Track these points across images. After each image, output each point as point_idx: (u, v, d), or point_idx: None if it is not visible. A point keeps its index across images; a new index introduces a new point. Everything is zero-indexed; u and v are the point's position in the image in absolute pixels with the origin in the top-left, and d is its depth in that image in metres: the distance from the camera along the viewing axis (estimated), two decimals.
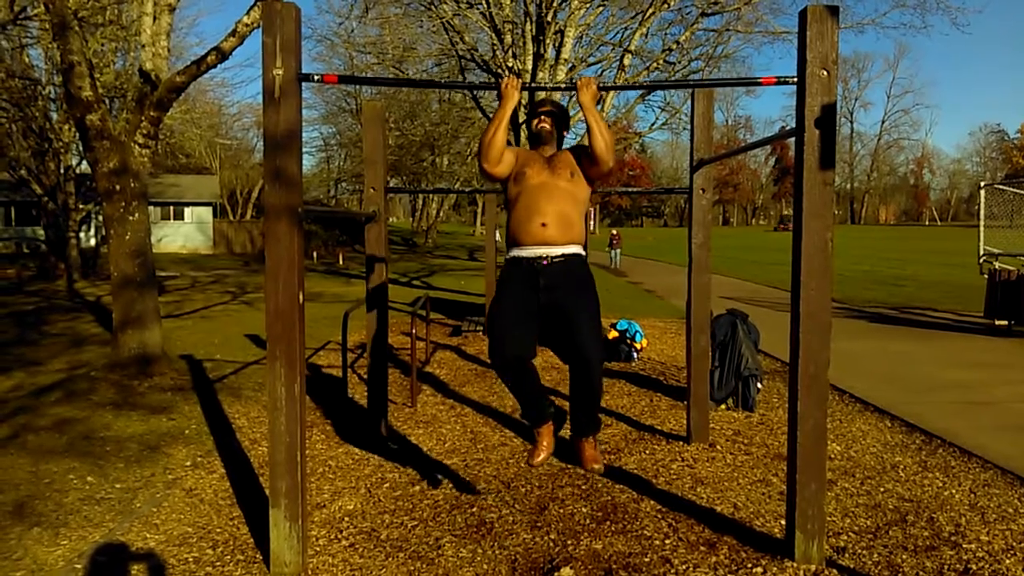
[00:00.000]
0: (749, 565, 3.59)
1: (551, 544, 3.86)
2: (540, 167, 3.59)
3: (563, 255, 3.46)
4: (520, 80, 3.72)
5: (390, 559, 3.71)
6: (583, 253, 3.56)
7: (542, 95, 11.49)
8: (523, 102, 11.40)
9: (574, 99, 12.99)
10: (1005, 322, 10.85)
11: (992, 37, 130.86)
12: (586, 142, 3.63)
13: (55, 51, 12.59)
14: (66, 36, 7.45)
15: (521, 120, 11.79)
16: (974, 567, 3.56)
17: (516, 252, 3.53)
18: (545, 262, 3.44)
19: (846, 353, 8.86)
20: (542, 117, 3.81)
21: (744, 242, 47.85)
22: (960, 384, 7.57)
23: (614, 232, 28.97)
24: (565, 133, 3.92)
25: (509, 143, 3.76)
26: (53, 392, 7.38)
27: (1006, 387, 7.40)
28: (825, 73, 3.49)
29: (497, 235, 12.29)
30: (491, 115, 3.72)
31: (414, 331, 6.92)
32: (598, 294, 3.58)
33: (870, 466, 5.07)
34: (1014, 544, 3.82)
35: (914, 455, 5.31)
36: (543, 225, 3.43)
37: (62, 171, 20.74)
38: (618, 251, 27.78)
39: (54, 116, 20.30)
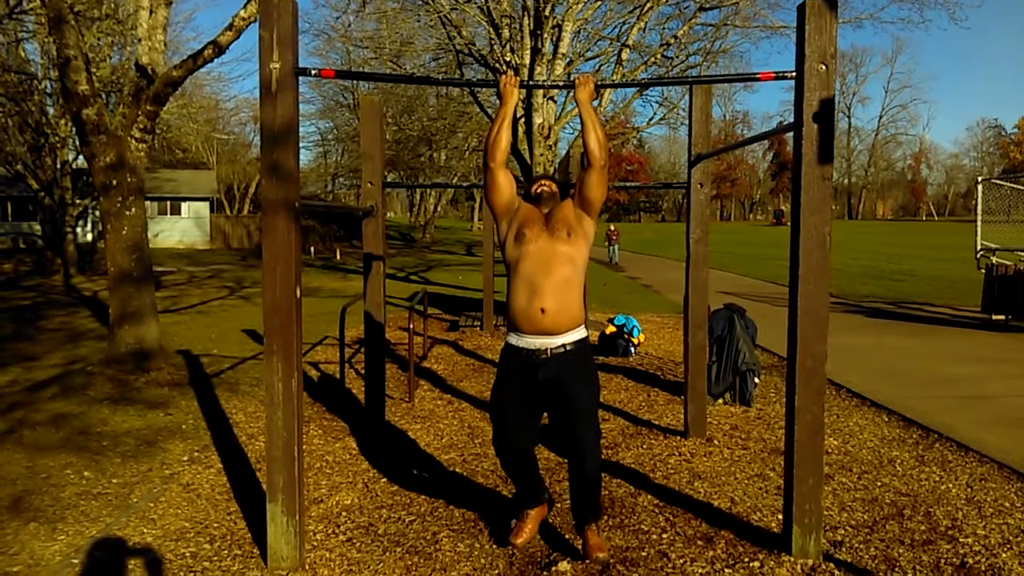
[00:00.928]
0: (746, 559, 3.60)
1: (549, 539, 3.86)
2: (539, 228, 3.49)
3: (563, 345, 3.41)
4: (518, 78, 3.69)
5: (387, 554, 3.71)
6: (583, 335, 3.50)
7: (540, 92, 11.48)
8: (521, 98, 11.39)
9: (570, 96, 12.98)
10: (1002, 317, 10.87)
11: (990, 32, 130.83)
12: (579, 143, 3.60)
13: (51, 45, 12.56)
14: (62, 30, 7.42)
15: (519, 115, 11.78)
16: (971, 561, 3.57)
17: (515, 340, 3.48)
18: (545, 355, 3.41)
19: (843, 348, 8.87)
20: (544, 183, 3.71)
21: (742, 237, 47.87)
22: (957, 379, 7.58)
23: (612, 228, 28.83)
24: (571, 193, 3.80)
25: (517, 182, 3.69)
26: (50, 387, 7.37)
27: (1003, 382, 7.41)
28: (823, 68, 3.48)
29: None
30: (489, 110, 3.70)
31: (412, 326, 6.92)
32: (598, 379, 3.60)
33: (867, 460, 5.08)
34: (1011, 538, 3.82)
35: (911, 449, 5.32)
36: (542, 311, 3.36)
37: (58, 166, 20.71)
38: (616, 247, 27.66)
39: (50, 111, 20.27)
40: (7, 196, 33.12)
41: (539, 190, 3.67)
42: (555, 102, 12.13)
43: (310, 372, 8.15)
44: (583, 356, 3.49)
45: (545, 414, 3.62)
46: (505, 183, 3.59)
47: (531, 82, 4.09)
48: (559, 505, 4.28)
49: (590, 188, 3.50)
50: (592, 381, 3.53)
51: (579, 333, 3.47)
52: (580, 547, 3.53)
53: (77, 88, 7.56)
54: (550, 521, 4.05)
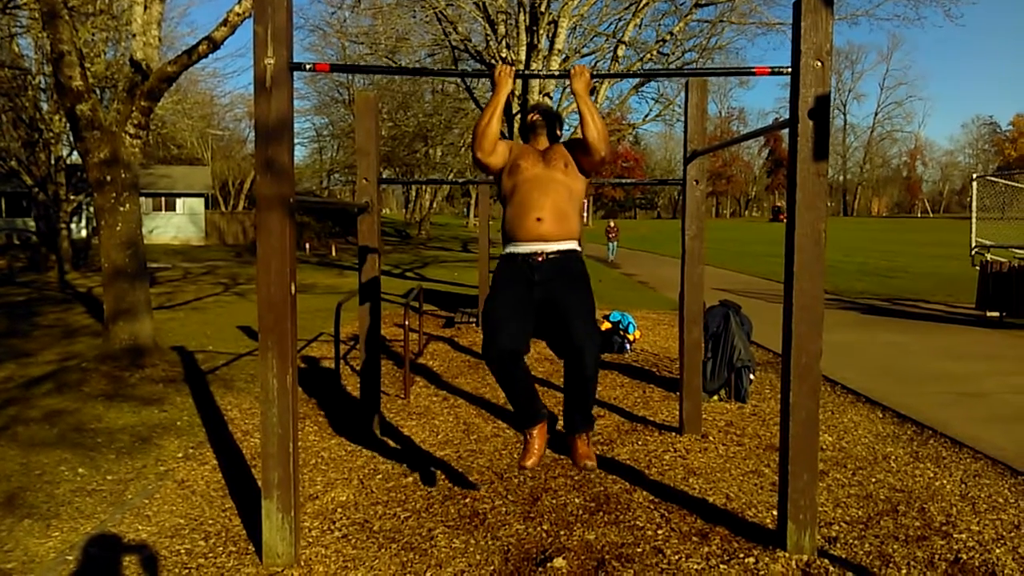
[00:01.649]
0: (741, 555, 3.60)
1: (544, 535, 3.86)
2: (535, 159, 3.57)
3: (558, 251, 3.44)
4: (513, 68, 3.70)
5: (383, 550, 3.71)
6: (578, 248, 3.54)
7: (536, 82, 11.47)
8: (516, 92, 11.39)
9: (568, 89, 12.97)
10: (996, 314, 10.90)
11: (986, 29, 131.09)
12: (579, 133, 3.62)
13: (45, 40, 12.49)
14: (56, 25, 7.39)
15: (515, 111, 11.77)
16: (964, 557, 3.58)
17: (511, 248, 3.51)
18: (540, 258, 3.42)
19: (838, 344, 8.89)
20: (535, 113, 3.81)
21: (737, 234, 47.92)
22: (951, 375, 7.61)
23: (611, 224, 28.49)
24: (559, 131, 3.88)
25: (503, 135, 3.73)
26: (44, 383, 7.35)
27: (997, 378, 7.43)
28: (819, 64, 3.48)
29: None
30: (484, 105, 3.70)
31: (407, 322, 6.91)
32: (592, 290, 3.56)
33: (862, 457, 5.09)
34: (1004, 534, 3.84)
35: (905, 446, 5.33)
36: (538, 220, 3.40)
37: (53, 162, 20.64)
38: (615, 244, 27.40)
39: (44, 106, 20.18)
40: (1, 192, 33.02)
41: (532, 118, 3.76)
42: (551, 98, 12.12)
43: (305, 369, 8.13)
44: (578, 263, 3.50)
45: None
46: (499, 159, 3.62)
47: (527, 72, 4.06)
48: (553, 501, 4.29)
49: (583, 162, 3.60)
50: (587, 285, 3.49)
51: (575, 245, 3.49)
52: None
53: (71, 83, 7.53)
54: (545, 516, 4.05)
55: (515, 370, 3.48)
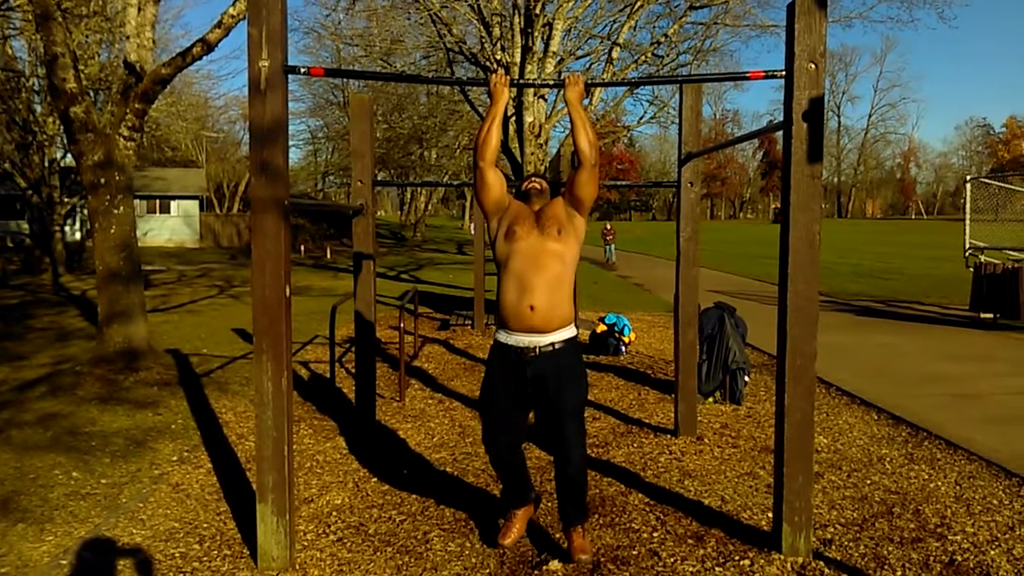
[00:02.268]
0: (737, 557, 3.60)
1: (539, 538, 3.86)
2: (529, 226, 3.48)
3: (551, 344, 3.41)
4: (508, 77, 3.69)
5: (378, 553, 3.71)
6: (572, 334, 3.51)
7: (531, 91, 11.47)
8: (511, 97, 11.38)
9: (561, 95, 12.97)
10: (991, 315, 10.93)
11: (979, 32, 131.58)
12: (571, 142, 3.60)
13: (38, 42, 12.45)
14: (49, 27, 7.37)
15: (510, 113, 11.77)
16: (959, 558, 3.58)
17: (504, 338, 3.47)
18: (533, 353, 3.41)
19: (833, 346, 8.90)
20: (535, 180, 3.72)
21: (732, 236, 47.99)
22: (946, 377, 7.62)
23: (608, 227, 28.23)
24: (561, 191, 3.80)
25: (502, 143, 3.69)
26: (38, 387, 7.33)
27: (992, 380, 7.45)
28: (813, 66, 3.49)
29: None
30: (480, 108, 3.70)
31: (402, 325, 6.90)
32: (587, 378, 3.59)
33: (857, 459, 5.10)
34: (999, 535, 3.85)
35: (900, 448, 5.34)
36: (531, 309, 3.35)
37: (46, 164, 20.57)
38: (612, 246, 27.07)
39: (38, 108, 20.13)
40: None
41: (529, 187, 3.68)
42: (546, 100, 12.13)
43: (300, 371, 8.12)
44: (571, 355, 3.48)
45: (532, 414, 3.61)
46: (495, 181, 3.58)
47: (521, 80, 4.05)
48: (549, 504, 4.28)
49: (580, 186, 3.50)
50: (580, 381, 3.52)
51: (568, 332, 3.46)
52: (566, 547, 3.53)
53: (65, 86, 7.51)
54: (540, 521, 4.05)
55: (512, 459, 3.55)
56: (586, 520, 3.64)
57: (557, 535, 3.87)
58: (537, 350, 3.40)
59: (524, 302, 3.36)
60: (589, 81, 3.83)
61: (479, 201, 3.65)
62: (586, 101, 3.76)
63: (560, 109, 12.51)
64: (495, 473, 3.68)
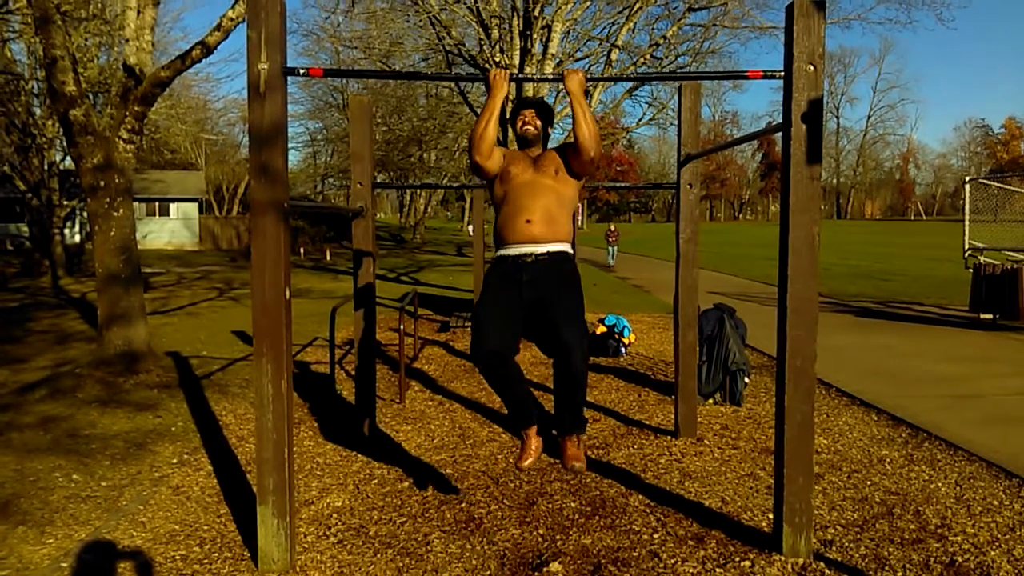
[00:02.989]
0: (737, 559, 3.60)
1: (540, 539, 3.86)
2: (525, 166, 3.58)
3: (548, 252, 3.43)
4: (508, 72, 3.70)
5: (378, 555, 3.70)
6: (570, 251, 3.54)
7: (530, 86, 11.48)
8: (510, 96, 11.40)
9: (562, 93, 12.98)
10: (990, 316, 10.93)
11: (977, 33, 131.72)
12: (571, 137, 3.62)
13: (38, 45, 12.47)
14: (49, 30, 7.38)
15: (508, 116, 11.77)
16: (960, 559, 3.58)
17: (502, 251, 3.51)
18: (529, 259, 3.42)
19: (833, 347, 8.90)
20: (525, 116, 3.76)
21: (732, 237, 48.00)
22: (946, 378, 7.62)
23: (611, 228, 27.53)
24: (550, 130, 3.89)
25: (499, 140, 3.72)
26: (38, 389, 7.33)
27: (991, 380, 7.45)
28: (812, 68, 3.49)
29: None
30: (479, 110, 3.71)
31: (402, 327, 6.90)
32: (582, 292, 3.55)
33: (857, 460, 5.10)
34: (999, 536, 3.85)
35: (900, 449, 5.34)
36: (528, 222, 3.41)
37: (46, 167, 20.59)
38: (615, 248, 26.46)
39: (37, 111, 20.15)
40: None
41: (524, 129, 3.74)
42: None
43: (300, 373, 8.12)
44: (569, 265, 3.49)
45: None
46: (495, 165, 3.63)
47: (520, 75, 4.03)
48: (549, 506, 4.28)
49: (576, 166, 3.59)
50: (577, 286, 3.47)
51: (565, 247, 3.48)
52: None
53: (64, 89, 7.52)
54: (540, 522, 4.05)
55: (503, 371, 3.46)
56: (582, 431, 3.57)
57: (558, 536, 3.87)
58: (533, 256, 3.42)
59: (521, 218, 3.42)
60: (588, 77, 3.84)
61: (486, 177, 3.70)
62: (586, 99, 3.76)
63: (560, 111, 12.52)
64: (492, 389, 3.58)
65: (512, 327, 3.46)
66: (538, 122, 3.76)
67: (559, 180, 3.56)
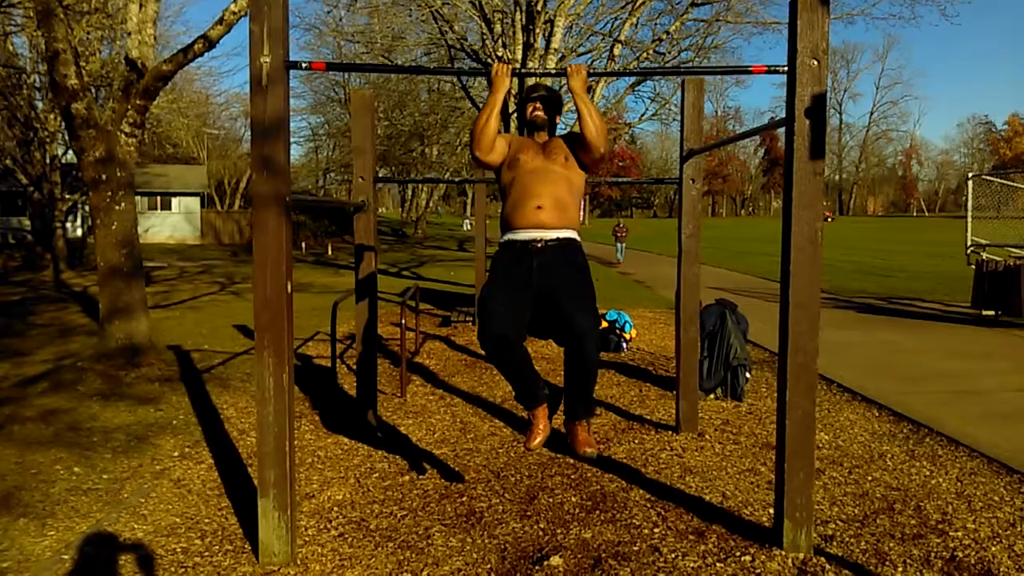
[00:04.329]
0: (738, 553, 3.61)
1: (540, 533, 3.86)
2: (534, 153, 3.56)
3: (557, 239, 3.41)
4: (510, 67, 3.69)
5: (379, 549, 3.71)
6: (579, 239, 3.51)
7: (531, 81, 11.46)
8: (512, 91, 11.38)
9: (565, 87, 12.95)
10: (992, 312, 10.92)
11: (981, 29, 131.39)
12: (577, 129, 3.61)
13: (40, 39, 12.45)
14: (51, 24, 7.37)
15: (511, 110, 11.76)
16: (960, 555, 3.58)
17: (510, 236, 3.47)
18: (539, 244, 3.39)
19: (834, 343, 8.90)
20: (536, 104, 3.75)
21: (734, 233, 47.95)
22: (947, 374, 7.62)
23: (620, 224, 26.45)
24: (558, 119, 3.87)
25: (500, 131, 3.71)
26: (39, 382, 7.34)
27: (993, 377, 7.45)
28: (815, 63, 3.48)
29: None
30: (481, 105, 3.70)
31: (404, 321, 6.90)
32: (590, 274, 3.51)
33: (858, 455, 5.10)
34: (1000, 532, 3.85)
35: (901, 444, 5.34)
36: (538, 208, 3.38)
37: (48, 161, 20.59)
38: (623, 244, 25.52)
39: (39, 105, 20.13)
40: None
41: (533, 114, 3.72)
42: None
43: (301, 367, 8.12)
44: (578, 251, 3.46)
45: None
46: (498, 156, 3.62)
47: (523, 71, 4.04)
48: (549, 499, 4.29)
49: (584, 159, 3.58)
50: (587, 273, 3.44)
51: (574, 234, 3.46)
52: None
53: (66, 82, 7.51)
54: (541, 516, 4.05)
55: (510, 356, 3.41)
56: (592, 415, 3.54)
57: (559, 530, 3.87)
58: (543, 242, 3.39)
59: (531, 204, 3.39)
60: (591, 73, 3.83)
61: (491, 168, 3.70)
62: (588, 94, 3.74)
63: (563, 104, 12.49)
64: (500, 372, 3.56)
65: (520, 312, 3.41)
66: (545, 110, 3.76)
67: (568, 168, 3.54)
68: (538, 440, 3.52)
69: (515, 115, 11.85)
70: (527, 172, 3.49)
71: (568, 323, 3.28)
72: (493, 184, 3.74)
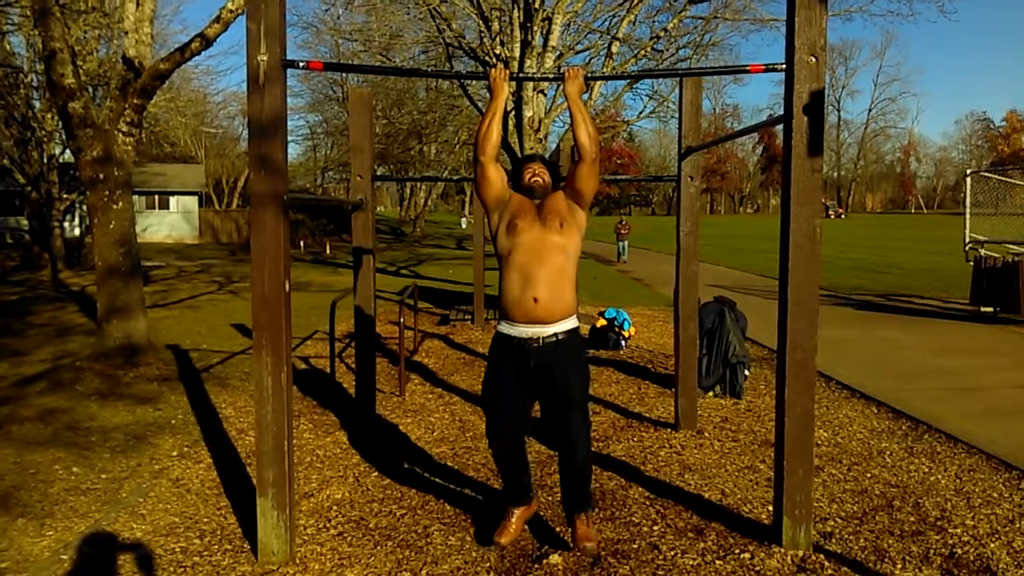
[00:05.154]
0: (737, 551, 3.61)
1: (540, 531, 3.86)
2: (531, 219, 3.47)
3: (555, 334, 3.40)
4: (508, 71, 3.67)
5: (378, 547, 3.71)
6: (575, 325, 3.50)
7: (531, 85, 11.45)
8: (511, 91, 11.37)
9: (560, 90, 12.93)
10: (991, 309, 10.92)
11: (979, 25, 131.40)
12: (570, 136, 3.58)
13: (37, 38, 12.44)
14: (48, 23, 7.36)
15: (508, 108, 11.76)
16: (959, 551, 3.59)
17: (507, 329, 3.46)
18: (536, 344, 3.40)
19: (833, 340, 8.90)
20: (534, 168, 3.67)
21: (732, 230, 47.95)
22: (946, 371, 7.62)
23: (622, 221, 26.03)
24: (562, 185, 3.72)
25: (503, 139, 3.66)
26: (38, 382, 7.33)
27: (991, 373, 7.45)
28: (813, 60, 3.48)
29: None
30: (479, 104, 3.68)
31: (402, 320, 6.90)
32: (588, 368, 3.58)
33: (857, 452, 5.10)
34: (999, 528, 3.85)
35: (900, 441, 5.35)
36: (535, 300, 3.35)
37: (45, 160, 20.54)
38: (626, 242, 25.00)
39: (36, 104, 20.08)
40: None
41: (531, 181, 3.64)
42: (545, 95, 12.10)
43: (300, 366, 8.12)
44: (575, 346, 3.48)
45: (536, 406, 3.61)
46: (496, 177, 3.57)
47: (521, 74, 4.03)
48: (549, 498, 4.29)
49: (581, 180, 3.49)
50: (583, 371, 3.53)
51: (571, 323, 3.46)
52: (569, 538, 3.53)
53: (63, 81, 7.50)
54: (541, 514, 4.05)
55: (515, 452, 3.52)
56: (591, 510, 3.61)
57: (558, 528, 3.87)
58: (540, 341, 3.40)
59: (528, 294, 3.36)
60: (589, 74, 3.81)
61: (480, 196, 3.64)
62: (585, 96, 3.72)
63: (560, 104, 12.48)
64: (496, 468, 3.68)
65: (523, 407, 3.54)
66: (547, 176, 3.67)
67: (565, 234, 3.44)
68: (508, 537, 3.56)
69: (512, 113, 11.85)
70: (523, 246, 3.41)
71: (563, 430, 3.40)
72: (493, 244, 3.66)
